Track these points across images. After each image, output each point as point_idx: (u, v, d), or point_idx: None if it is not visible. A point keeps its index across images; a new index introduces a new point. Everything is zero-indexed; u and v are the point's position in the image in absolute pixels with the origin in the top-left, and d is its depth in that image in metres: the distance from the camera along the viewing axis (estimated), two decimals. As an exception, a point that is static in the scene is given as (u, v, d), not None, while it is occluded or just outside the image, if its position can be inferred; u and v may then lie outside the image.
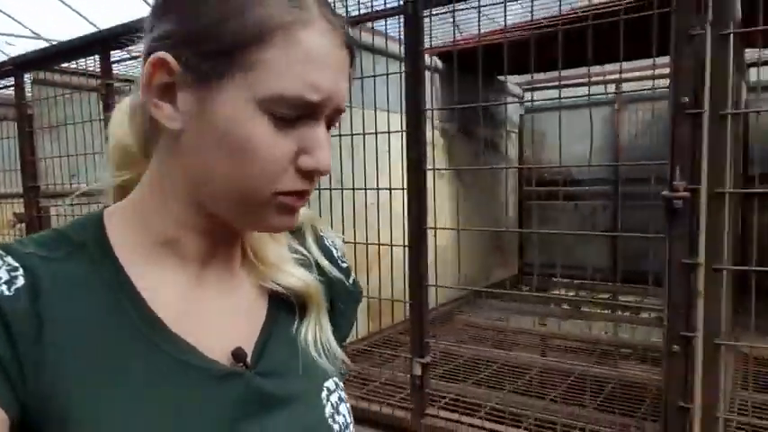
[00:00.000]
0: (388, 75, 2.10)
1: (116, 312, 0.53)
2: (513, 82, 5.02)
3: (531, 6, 2.03)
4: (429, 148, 3.85)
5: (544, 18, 2.83)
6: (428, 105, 2.10)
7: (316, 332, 0.63)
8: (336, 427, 0.61)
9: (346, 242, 2.35)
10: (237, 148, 0.51)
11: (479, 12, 1.99)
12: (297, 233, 0.68)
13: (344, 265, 0.73)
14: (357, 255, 2.31)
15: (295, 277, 0.62)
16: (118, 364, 0.51)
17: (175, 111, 0.52)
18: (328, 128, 0.55)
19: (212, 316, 0.57)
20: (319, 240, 0.70)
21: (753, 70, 4.28)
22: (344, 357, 0.67)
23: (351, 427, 0.64)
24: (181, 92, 0.52)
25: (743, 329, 2.92)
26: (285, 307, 0.63)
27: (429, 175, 2.02)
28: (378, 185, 2.17)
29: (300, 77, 0.50)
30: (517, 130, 5.18)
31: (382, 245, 2.19)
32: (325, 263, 0.68)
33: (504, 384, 2.54)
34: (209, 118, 0.51)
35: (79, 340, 0.50)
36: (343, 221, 2.33)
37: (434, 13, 1.91)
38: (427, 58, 3.79)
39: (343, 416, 0.63)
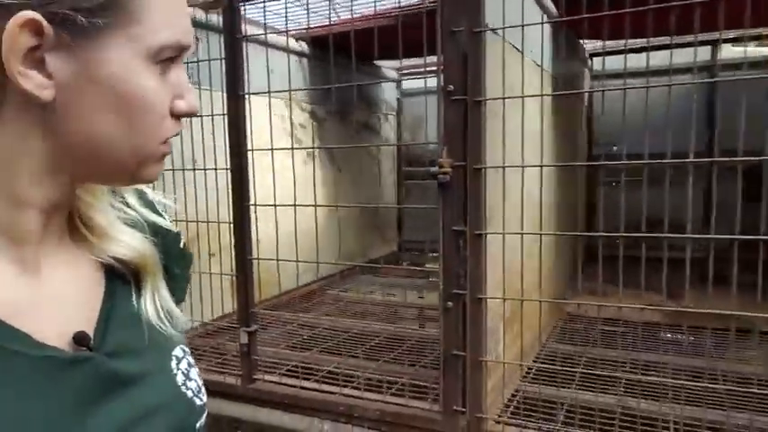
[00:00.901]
0: (215, 59, 2.19)
1: None
2: (390, 67, 5.23)
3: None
4: (299, 131, 4.01)
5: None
6: (292, 88, 2.21)
7: (156, 301, 0.62)
8: (189, 393, 0.61)
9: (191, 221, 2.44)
10: (129, 106, 0.49)
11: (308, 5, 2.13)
12: (114, 192, 0.63)
13: (175, 230, 0.69)
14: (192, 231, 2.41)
15: (129, 247, 0.59)
16: None
17: (46, 78, 0.47)
18: None
19: (48, 300, 0.54)
20: (143, 197, 0.66)
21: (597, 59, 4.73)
22: (185, 319, 0.66)
23: (203, 389, 0.64)
24: (51, 56, 0.47)
25: (582, 290, 3.33)
26: (122, 278, 0.60)
27: (279, 155, 2.16)
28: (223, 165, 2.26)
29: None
30: (395, 113, 5.42)
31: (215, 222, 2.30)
32: (158, 219, 0.65)
33: (344, 350, 2.76)
34: (92, 80, 0.48)
35: None
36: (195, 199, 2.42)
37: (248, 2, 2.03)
38: (293, 41, 3.91)
39: (195, 381, 0.63)
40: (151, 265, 0.61)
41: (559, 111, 3.49)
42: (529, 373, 2.51)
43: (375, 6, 2.70)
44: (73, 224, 0.58)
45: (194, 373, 0.63)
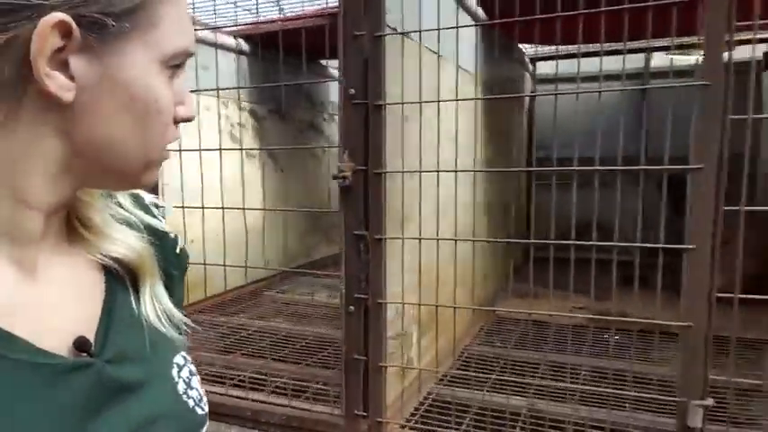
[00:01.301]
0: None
1: None
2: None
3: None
4: (238, 130, 3.95)
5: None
6: (228, 86, 2.16)
7: (155, 303, 0.60)
8: (191, 402, 0.59)
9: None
10: (145, 110, 0.50)
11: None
12: (110, 194, 0.62)
13: (173, 234, 0.68)
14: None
15: (127, 246, 0.58)
16: None
17: (69, 80, 0.47)
18: None
19: (48, 303, 0.53)
20: (138, 200, 0.65)
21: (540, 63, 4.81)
22: (188, 321, 0.64)
23: (204, 399, 0.63)
24: (75, 58, 0.47)
25: (513, 292, 3.37)
26: (121, 281, 0.59)
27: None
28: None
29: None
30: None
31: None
32: (153, 221, 0.64)
33: (269, 353, 2.73)
34: (113, 82, 0.49)
35: None
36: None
37: None
38: (232, 39, 3.86)
39: (196, 390, 0.61)
40: (149, 264, 0.60)
41: (493, 113, 3.53)
42: (446, 376, 2.53)
43: (303, 6, 2.69)
44: (70, 224, 0.57)
45: (195, 381, 0.62)
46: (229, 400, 2.13)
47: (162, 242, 0.64)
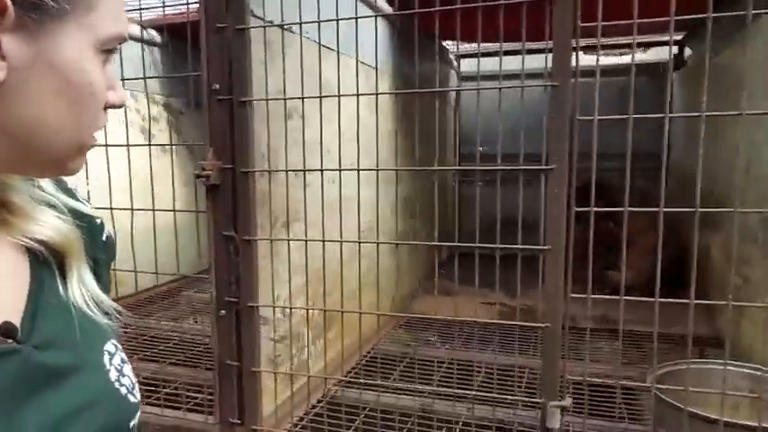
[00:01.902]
0: None
1: None
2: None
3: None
4: (152, 124, 3.80)
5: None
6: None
7: (82, 287, 0.58)
8: (123, 390, 0.58)
9: None
10: (78, 94, 0.50)
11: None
12: (29, 178, 0.59)
13: (98, 219, 0.66)
14: None
15: (53, 227, 0.56)
16: None
17: (0, 59, 0.46)
18: None
19: None
20: (61, 183, 0.63)
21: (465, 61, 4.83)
22: (118, 307, 0.62)
23: (137, 387, 0.61)
24: (7, 37, 0.46)
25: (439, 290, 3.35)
26: (47, 265, 0.56)
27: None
28: None
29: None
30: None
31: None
32: (78, 205, 0.62)
33: (169, 357, 2.64)
34: (48, 64, 0.48)
35: None
36: None
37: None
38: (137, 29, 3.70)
39: (128, 377, 0.60)
40: (76, 248, 0.58)
41: (412, 110, 3.51)
42: (349, 373, 2.50)
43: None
44: None
45: (128, 369, 0.61)
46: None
47: (88, 226, 0.63)
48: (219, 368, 1.79)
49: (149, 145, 1.91)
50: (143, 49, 3.45)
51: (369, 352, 2.85)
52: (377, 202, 1.92)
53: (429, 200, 3.64)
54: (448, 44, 4.21)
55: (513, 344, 3.00)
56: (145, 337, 2.97)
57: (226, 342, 1.78)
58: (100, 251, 0.65)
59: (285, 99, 1.66)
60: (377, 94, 1.86)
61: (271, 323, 2.01)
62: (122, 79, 1.88)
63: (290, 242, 1.77)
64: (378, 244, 1.85)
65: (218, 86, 1.65)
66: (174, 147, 3.75)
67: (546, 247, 1.46)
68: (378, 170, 1.72)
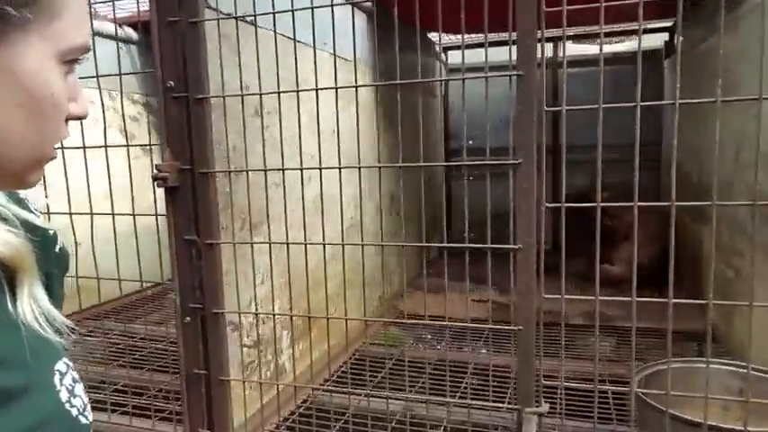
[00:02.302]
0: None
1: None
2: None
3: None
4: (131, 124, 3.72)
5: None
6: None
7: (32, 307, 0.55)
8: (74, 411, 0.55)
9: None
10: (39, 105, 0.48)
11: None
12: None
13: (51, 230, 0.64)
14: None
15: (2, 242, 0.53)
16: None
17: None
18: None
19: None
20: (12, 195, 0.60)
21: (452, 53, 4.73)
22: (70, 323, 0.59)
23: (88, 407, 0.59)
24: None
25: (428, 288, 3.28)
26: None
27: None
28: None
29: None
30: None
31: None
32: (30, 217, 0.59)
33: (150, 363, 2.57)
34: (9, 74, 0.46)
35: None
36: None
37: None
38: (112, 26, 3.62)
39: (80, 398, 0.57)
40: (27, 262, 0.55)
41: (394, 104, 3.42)
42: (327, 381, 2.43)
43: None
44: None
45: (79, 389, 0.58)
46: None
47: (41, 239, 0.60)
48: (187, 377, 1.73)
49: (127, 146, 1.82)
50: (118, 47, 3.37)
51: (354, 353, 2.79)
52: (360, 200, 1.84)
53: (415, 196, 3.56)
54: (433, 36, 4.13)
55: (505, 342, 2.93)
56: (119, 345, 2.90)
57: (192, 350, 1.71)
58: (52, 264, 0.63)
59: (242, 95, 1.58)
60: (356, 87, 1.72)
61: (242, 328, 1.94)
62: (97, 76, 1.80)
63: (268, 243, 1.68)
64: (362, 246, 1.78)
65: (172, 83, 1.57)
66: (152, 147, 3.69)
67: (516, 246, 1.38)
68: (353, 168, 1.63)
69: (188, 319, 1.70)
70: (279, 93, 1.57)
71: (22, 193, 0.63)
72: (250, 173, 1.82)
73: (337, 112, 1.68)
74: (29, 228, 0.58)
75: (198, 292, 1.68)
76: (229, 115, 1.82)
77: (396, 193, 3.43)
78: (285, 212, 1.75)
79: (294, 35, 1.73)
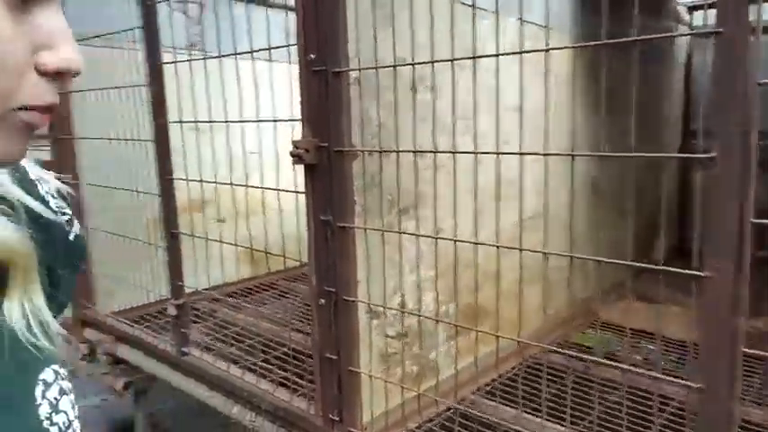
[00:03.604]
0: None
1: None
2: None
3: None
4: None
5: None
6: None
7: (25, 309, 0.49)
8: (55, 429, 0.50)
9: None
10: None
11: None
12: None
13: (65, 217, 0.59)
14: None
15: None
16: None
17: None
18: None
19: None
20: (21, 173, 0.55)
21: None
22: (63, 332, 0.54)
23: (74, 424, 0.53)
24: None
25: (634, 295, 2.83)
26: None
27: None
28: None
29: None
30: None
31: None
32: (35, 205, 0.53)
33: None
34: None
35: None
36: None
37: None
38: None
39: (64, 413, 0.52)
40: (23, 262, 0.49)
41: (610, 76, 2.88)
42: (488, 386, 2.19)
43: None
44: None
45: (66, 402, 0.52)
46: (237, 379, 2.07)
47: (48, 230, 0.54)
48: (320, 361, 1.68)
49: (274, 121, 1.83)
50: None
51: (527, 359, 2.48)
52: (545, 187, 1.54)
53: (633, 185, 2.99)
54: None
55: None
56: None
57: (325, 334, 1.66)
58: (60, 260, 0.56)
59: (395, 66, 1.42)
60: (546, 50, 1.35)
61: (384, 317, 1.83)
62: (252, 52, 1.79)
63: (401, 233, 1.53)
64: (543, 255, 1.51)
65: (312, 56, 1.48)
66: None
67: (701, 273, 0.98)
68: (563, 155, 1.35)
69: (322, 301, 1.64)
70: (452, 60, 1.34)
71: (35, 173, 0.57)
72: (405, 153, 1.66)
73: (522, 87, 1.40)
74: (32, 217, 0.51)
75: (332, 276, 1.61)
76: (383, 89, 1.67)
77: (599, 178, 2.93)
78: (453, 198, 1.54)
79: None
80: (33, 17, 0.39)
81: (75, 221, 0.61)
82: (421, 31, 1.51)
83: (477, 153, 1.42)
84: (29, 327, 0.49)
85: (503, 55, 1.33)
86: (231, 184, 1.86)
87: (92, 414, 3.40)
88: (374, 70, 1.52)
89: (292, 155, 1.52)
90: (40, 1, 0.39)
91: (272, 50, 1.64)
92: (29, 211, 0.51)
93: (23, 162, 0.54)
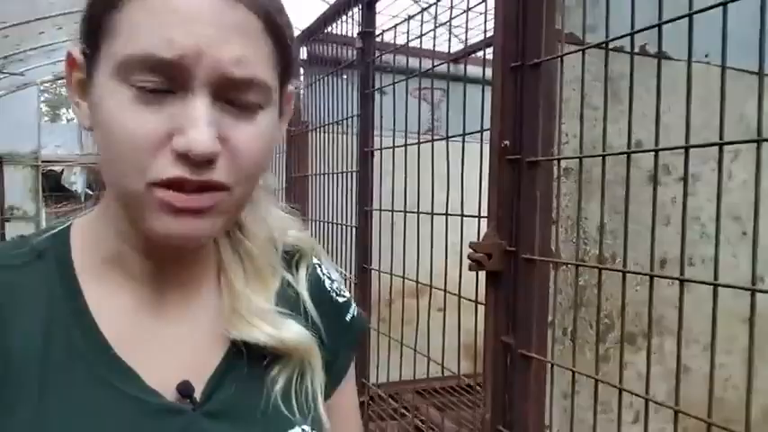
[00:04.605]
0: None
1: (60, 330, 0.49)
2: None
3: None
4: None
5: None
6: None
7: (293, 379, 0.56)
8: None
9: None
10: (106, 132, 0.44)
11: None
12: (291, 264, 0.60)
13: (342, 299, 0.64)
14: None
15: (263, 333, 0.53)
16: (54, 386, 0.47)
17: (87, 108, 0.48)
18: (223, 102, 0.46)
19: (161, 344, 0.52)
20: (312, 271, 0.62)
21: None
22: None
23: None
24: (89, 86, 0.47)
25: None
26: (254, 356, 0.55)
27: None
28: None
29: (153, 33, 0.42)
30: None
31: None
32: (307, 302, 0.59)
33: None
34: (94, 106, 0.46)
35: (23, 354, 0.47)
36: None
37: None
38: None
39: None
40: (299, 354, 0.56)
41: None
42: None
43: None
44: (218, 282, 0.57)
45: None
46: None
47: (328, 312, 0.62)
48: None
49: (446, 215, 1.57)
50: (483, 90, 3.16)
51: None
52: None
53: None
54: None
55: None
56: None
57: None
58: (342, 344, 0.63)
59: (628, 152, 1.07)
60: None
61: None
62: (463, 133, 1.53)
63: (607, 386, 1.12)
64: None
65: (507, 143, 1.23)
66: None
67: None
68: None
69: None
70: (721, 145, 0.93)
71: (329, 274, 0.65)
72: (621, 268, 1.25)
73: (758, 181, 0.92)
74: (316, 301, 0.59)
75: (507, 413, 1.25)
76: (608, 184, 1.31)
77: None
78: (711, 327, 1.11)
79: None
80: (169, 105, 0.44)
81: (353, 303, 0.66)
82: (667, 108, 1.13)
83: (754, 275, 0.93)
84: (286, 390, 0.55)
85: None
86: (416, 281, 1.67)
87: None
88: (592, 159, 1.19)
89: (470, 258, 1.26)
90: (173, 92, 0.44)
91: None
92: (314, 297, 0.60)
93: (310, 244, 0.63)
